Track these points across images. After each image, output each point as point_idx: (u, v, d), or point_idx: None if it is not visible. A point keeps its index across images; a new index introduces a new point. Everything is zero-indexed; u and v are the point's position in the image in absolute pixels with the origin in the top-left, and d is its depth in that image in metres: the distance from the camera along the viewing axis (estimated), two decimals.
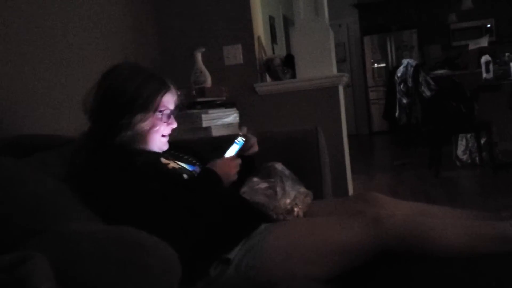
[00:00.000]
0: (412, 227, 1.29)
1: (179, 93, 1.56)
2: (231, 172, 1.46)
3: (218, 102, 2.72)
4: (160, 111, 1.46)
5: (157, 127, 1.47)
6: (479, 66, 5.25)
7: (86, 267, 0.80)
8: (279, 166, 1.60)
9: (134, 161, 1.38)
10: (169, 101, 1.49)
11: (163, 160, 1.51)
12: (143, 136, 1.46)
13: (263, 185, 1.52)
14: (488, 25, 8.59)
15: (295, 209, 1.49)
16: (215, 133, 2.51)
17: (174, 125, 1.54)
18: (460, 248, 1.27)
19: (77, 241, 0.84)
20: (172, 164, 1.51)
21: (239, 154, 1.55)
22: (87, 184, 1.32)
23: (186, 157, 1.62)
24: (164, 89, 1.48)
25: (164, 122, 1.49)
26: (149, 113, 1.44)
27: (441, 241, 1.28)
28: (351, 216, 1.39)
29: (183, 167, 1.53)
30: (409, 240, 1.27)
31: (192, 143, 1.98)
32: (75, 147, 1.46)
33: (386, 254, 1.28)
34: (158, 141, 1.50)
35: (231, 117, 2.69)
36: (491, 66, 4.97)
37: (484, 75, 5.00)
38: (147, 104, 1.43)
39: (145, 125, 1.44)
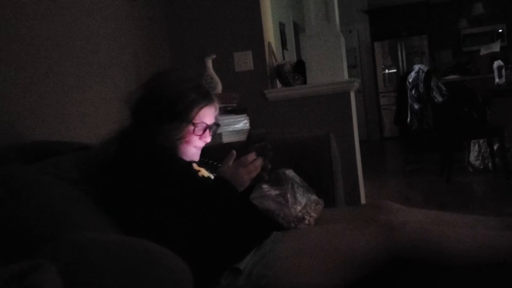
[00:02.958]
0: (425, 236, 1.27)
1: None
2: (240, 174, 1.37)
3: (229, 108, 2.71)
4: (195, 124, 1.45)
5: (188, 138, 1.45)
6: (491, 71, 5.22)
7: (98, 277, 0.79)
8: (290, 173, 1.56)
9: (165, 164, 1.37)
10: (207, 115, 1.48)
11: (195, 166, 1.50)
12: (174, 145, 1.45)
13: (274, 192, 1.49)
14: (500, 30, 8.53)
15: (306, 217, 1.47)
16: (226, 139, 2.50)
17: (208, 140, 1.52)
18: (473, 258, 1.25)
19: (89, 250, 0.84)
20: (202, 172, 1.50)
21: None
22: (113, 176, 1.33)
23: (215, 163, 1.61)
24: (203, 102, 1.46)
25: (197, 135, 1.47)
26: (183, 123, 1.43)
27: (454, 250, 1.26)
28: (363, 224, 1.37)
29: (212, 176, 1.52)
30: (421, 249, 1.26)
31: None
32: (111, 137, 1.45)
33: (397, 262, 1.27)
34: (189, 152, 1.49)
35: (242, 123, 2.68)
36: (503, 71, 4.94)
37: (497, 80, 4.97)
38: (183, 115, 1.42)
39: (177, 134, 1.43)
